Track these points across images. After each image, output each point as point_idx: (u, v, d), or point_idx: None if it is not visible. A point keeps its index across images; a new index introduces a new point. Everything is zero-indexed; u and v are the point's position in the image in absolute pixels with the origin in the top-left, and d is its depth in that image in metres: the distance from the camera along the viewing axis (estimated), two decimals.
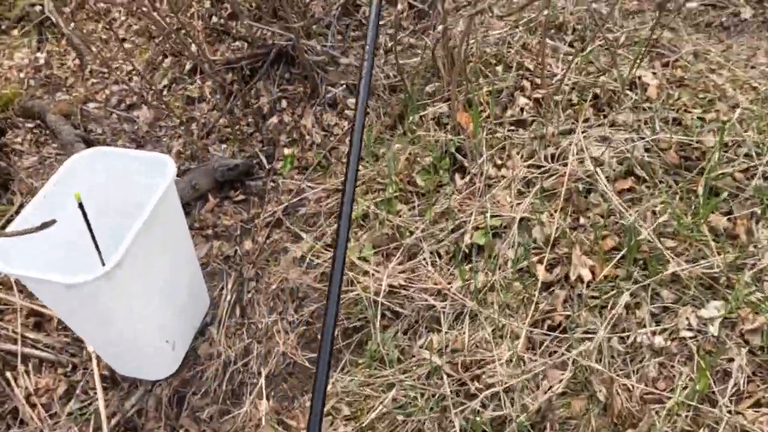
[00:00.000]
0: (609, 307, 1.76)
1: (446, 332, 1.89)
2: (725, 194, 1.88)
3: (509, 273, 1.90)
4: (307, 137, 2.92)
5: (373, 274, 2.09)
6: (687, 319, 1.69)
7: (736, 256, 1.74)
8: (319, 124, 2.95)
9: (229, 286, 2.46)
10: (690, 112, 2.13)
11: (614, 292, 1.77)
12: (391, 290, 2.05)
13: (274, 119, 3.05)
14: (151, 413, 2.18)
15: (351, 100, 2.94)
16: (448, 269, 2.03)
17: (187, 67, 3.31)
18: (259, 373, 2.17)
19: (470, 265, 2.00)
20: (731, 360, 1.60)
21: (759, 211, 1.84)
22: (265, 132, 3.02)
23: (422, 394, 1.80)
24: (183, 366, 2.26)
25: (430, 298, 1.96)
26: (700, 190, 1.90)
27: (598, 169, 1.98)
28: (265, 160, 2.90)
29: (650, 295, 1.75)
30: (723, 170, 1.92)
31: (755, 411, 1.53)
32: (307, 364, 2.12)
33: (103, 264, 1.71)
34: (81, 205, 1.68)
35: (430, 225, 2.12)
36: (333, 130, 2.91)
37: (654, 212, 1.89)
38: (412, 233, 2.14)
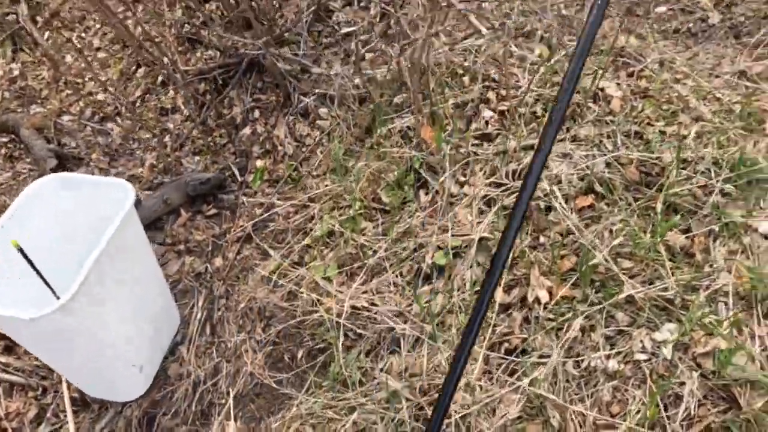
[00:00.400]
0: (564, 330, 1.76)
1: (406, 355, 1.90)
2: (683, 212, 1.87)
3: (468, 295, 1.90)
4: (280, 148, 2.91)
5: (335, 295, 2.09)
6: (641, 341, 1.69)
7: (692, 277, 1.74)
8: (291, 134, 2.94)
9: (200, 303, 2.46)
10: (652, 125, 2.11)
11: (570, 314, 1.77)
12: (353, 311, 2.06)
13: (247, 130, 3.04)
14: None
15: (323, 110, 2.92)
16: (410, 290, 2.03)
17: (160, 77, 3.30)
18: (228, 393, 2.18)
19: (431, 286, 2.00)
20: (683, 384, 1.61)
21: (717, 229, 1.83)
22: (237, 143, 3.01)
23: (382, 419, 1.81)
24: (153, 386, 2.28)
25: (390, 320, 1.97)
26: (659, 207, 1.89)
27: (555, 188, 1.97)
28: (237, 173, 2.90)
29: (605, 318, 1.74)
30: (682, 187, 1.90)
31: None
32: (273, 384, 2.13)
33: (57, 297, 1.72)
34: (21, 250, 1.68)
35: (393, 244, 2.12)
36: (305, 140, 2.89)
37: (611, 231, 1.89)
38: (375, 252, 2.14)
